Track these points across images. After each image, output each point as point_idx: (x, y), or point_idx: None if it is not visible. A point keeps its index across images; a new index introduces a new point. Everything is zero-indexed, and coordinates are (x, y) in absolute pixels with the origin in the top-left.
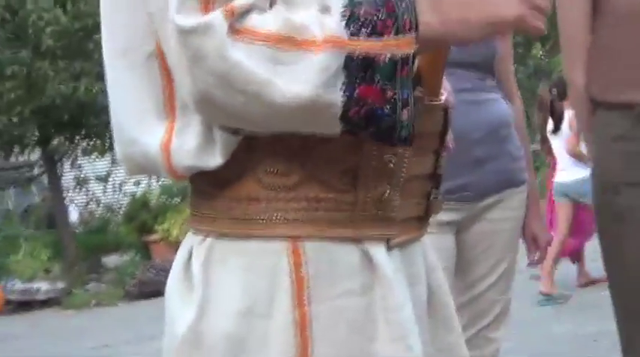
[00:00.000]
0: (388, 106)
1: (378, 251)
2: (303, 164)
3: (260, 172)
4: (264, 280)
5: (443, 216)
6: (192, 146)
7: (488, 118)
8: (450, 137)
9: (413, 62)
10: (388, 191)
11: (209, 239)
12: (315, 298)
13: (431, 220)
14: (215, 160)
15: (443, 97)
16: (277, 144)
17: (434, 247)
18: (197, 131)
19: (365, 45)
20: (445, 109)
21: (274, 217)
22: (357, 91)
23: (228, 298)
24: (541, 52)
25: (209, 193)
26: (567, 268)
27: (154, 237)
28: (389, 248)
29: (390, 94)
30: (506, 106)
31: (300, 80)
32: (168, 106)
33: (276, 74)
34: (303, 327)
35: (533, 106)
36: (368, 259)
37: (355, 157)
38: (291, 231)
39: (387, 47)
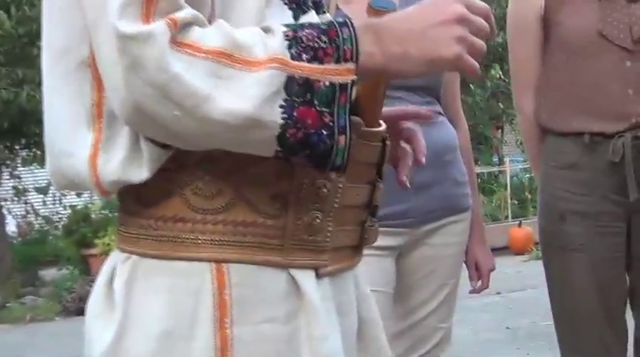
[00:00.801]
0: (325, 131)
1: (306, 279)
2: (233, 186)
3: (188, 191)
4: (186, 302)
5: (383, 240)
6: (118, 160)
7: (434, 142)
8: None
9: (352, 90)
10: (320, 218)
11: (133, 258)
12: (237, 323)
13: (370, 244)
14: (141, 174)
15: (381, 128)
16: (208, 163)
17: (373, 270)
18: (123, 144)
19: (306, 68)
20: (383, 140)
21: (200, 239)
22: (295, 112)
23: (150, 319)
24: (500, 73)
25: (135, 211)
26: None
27: (93, 251)
28: (318, 277)
29: (327, 119)
30: (451, 130)
31: (241, 96)
32: (96, 116)
33: (216, 89)
34: (224, 351)
35: (490, 128)
36: (295, 287)
37: (287, 181)
38: (216, 254)
39: (328, 73)
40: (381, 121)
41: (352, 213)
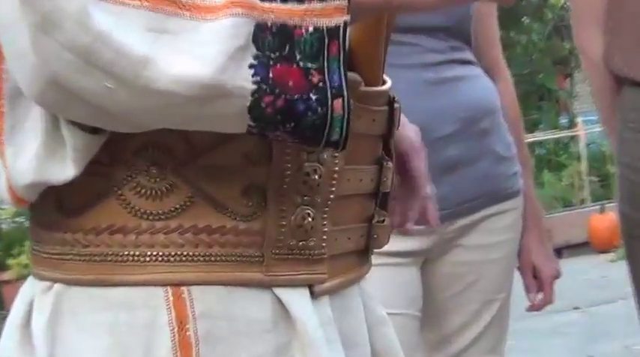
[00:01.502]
0: (314, 95)
1: (298, 300)
2: (188, 179)
3: (128, 191)
4: (134, 343)
5: (401, 243)
6: (30, 154)
7: (464, 104)
8: (412, 132)
9: (345, 36)
10: (311, 216)
11: (56, 287)
12: None
13: (384, 249)
14: (64, 171)
15: (388, 84)
16: (153, 150)
17: (389, 285)
18: (36, 131)
19: (281, 11)
20: (390, 102)
21: (149, 255)
22: (271, 73)
23: None
24: (563, 1)
25: (55, 223)
26: None
27: (5, 275)
28: (314, 296)
29: (315, 78)
30: (489, 86)
31: (194, 56)
32: None
33: (158, 48)
34: None
35: (554, 77)
36: (284, 311)
37: (262, 168)
38: (172, 274)
39: (310, 15)
40: (386, 77)
41: (355, 205)
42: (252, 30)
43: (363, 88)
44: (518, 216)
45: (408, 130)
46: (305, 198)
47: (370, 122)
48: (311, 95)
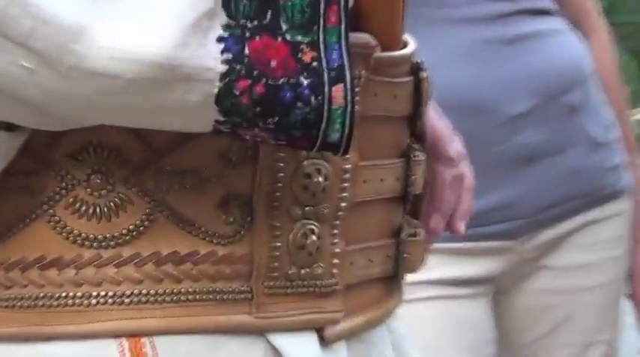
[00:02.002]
0: (305, 80)
1: (303, 349)
2: (145, 191)
3: (61, 209)
4: None
5: (461, 268)
6: None
7: (542, 72)
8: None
9: None
10: (316, 233)
11: None
12: None
13: (436, 276)
14: None
15: (411, 47)
16: (94, 153)
17: (446, 326)
18: None
19: None
20: (414, 70)
21: (95, 297)
22: (247, 48)
23: None
24: None
25: None
26: None
27: None
28: (324, 342)
29: (308, 56)
30: (577, 45)
31: (141, 25)
32: None
33: (93, 15)
34: None
35: None
36: None
37: (245, 171)
38: (129, 322)
39: None
40: (408, 37)
41: (375, 215)
42: None
43: (379, 53)
44: (625, 224)
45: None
46: (306, 209)
47: (390, 100)
48: (301, 79)
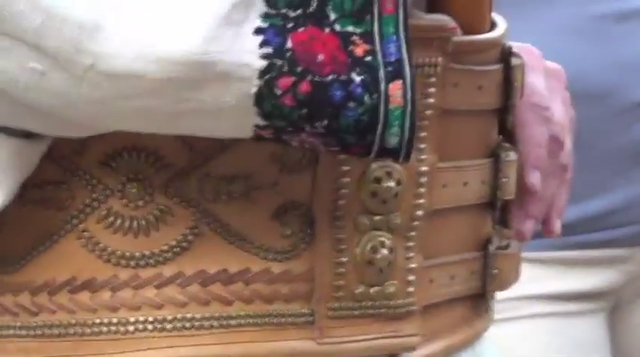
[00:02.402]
0: (358, 76)
1: None
2: (189, 201)
3: (93, 223)
4: None
5: (573, 280)
6: None
7: None
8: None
9: None
10: (387, 246)
11: None
12: None
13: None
14: None
15: (500, 29)
16: (130, 158)
17: (557, 345)
18: None
19: None
20: (505, 56)
21: (132, 323)
22: (289, 41)
23: None
24: None
25: None
26: None
27: None
28: None
29: (360, 49)
30: None
31: (165, 19)
32: None
33: (111, 9)
34: None
35: None
36: None
37: (304, 176)
38: (173, 351)
39: None
40: (497, 18)
41: (459, 225)
42: None
43: (460, 36)
44: None
45: (536, 76)
46: (376, 218)
47: (474, 91)
48: (353, 75)
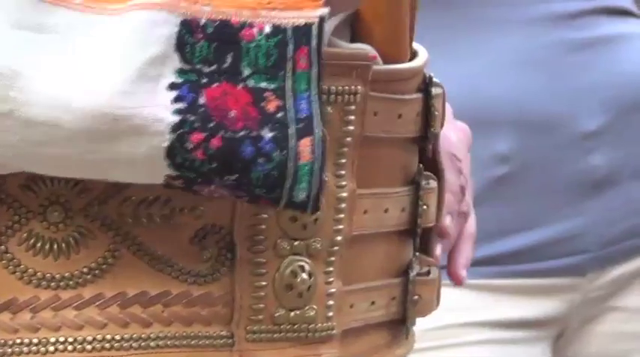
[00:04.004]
0: (269, 133)
1: None
2: (109, 224)
3: (14, 245)
4: None
5: (519, 308)
6: None
7: (618, 83)
8: (455, 132)
9: (320, 39)
10: (307, 271)
11: None
12: None
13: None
14: None
15: (420, 59)
16: (51, 182)
17: None
18: None
19: (223, 1)
20: (425, 86)
21: (53, 344)
22: (203, 97)
23: None
24: None
25: None
26: None
27: None
28: None
29: (272, 106)
30: None
31: (83, 75)
32: None
33: (32, 62)
34: None
35: None
36: None
37: (224, 200)
38: None
39: (267, 7)
40: (418, 48)
41: (379, 251)
42: (177, 30)
43: (380, 65)
44: None
45: (448, 129)
46: (296, 243)
47: (394, 120)
48: (264, 132)
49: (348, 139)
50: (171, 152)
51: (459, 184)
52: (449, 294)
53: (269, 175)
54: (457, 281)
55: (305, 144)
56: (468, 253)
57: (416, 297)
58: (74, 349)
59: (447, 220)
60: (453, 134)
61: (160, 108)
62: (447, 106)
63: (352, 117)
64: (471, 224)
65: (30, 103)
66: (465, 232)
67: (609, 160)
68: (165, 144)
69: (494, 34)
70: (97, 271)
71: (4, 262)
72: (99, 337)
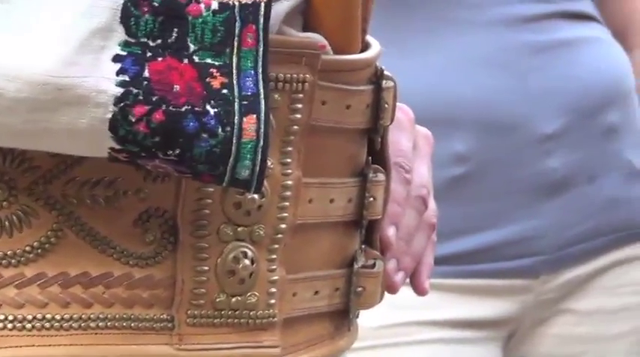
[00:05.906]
0: (213, 109)
1: None
2: (53, 204)
3: None
4: None
5: (470, 308)
6: None
7: (577, 86)
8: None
9: (268, 17)
10: (249, 257)
11: None
12: None
13: (442, 317)
14: None
15: (372, 51)
16: None
17: None
18: None
19: None
20: (376, 78)
21: None
22: (147, 70)
23: None
24: None
25: None
26: None
27: None
28: None
29: (217, 82)
30: (619, 56)
31: (26, 44)
32: None
33: None
34: None
35: None
36: None
37: (168, 184)
38: (31, 351)
39: None
40: (370, 39)
41: (324, 241)
42: (123, 2)
43: (330, 55)
44: None
45: (403, 136)
46: (239, 229)
47: (342, 110)
48: (208, 107)
49: (295, 127)
50: (114, 124)
51: (414, 195)
52: (401, 292)
53: (212, 152)
54: (422, 292)
55: (249, 121)
56: (432, 263)
57: (360, 289)
58: (14, 328)
59: (391, 231)
60: (406, 142)
61: (104, 79)
62: (409, 111)
63: (300, 105)
64: (435, 234)
65: None
66: (430, 243)
67: (566, 163)
68: (109, 116)
69: (455, 34)
70: (39, 250)
71: None
72: (39, 316)
